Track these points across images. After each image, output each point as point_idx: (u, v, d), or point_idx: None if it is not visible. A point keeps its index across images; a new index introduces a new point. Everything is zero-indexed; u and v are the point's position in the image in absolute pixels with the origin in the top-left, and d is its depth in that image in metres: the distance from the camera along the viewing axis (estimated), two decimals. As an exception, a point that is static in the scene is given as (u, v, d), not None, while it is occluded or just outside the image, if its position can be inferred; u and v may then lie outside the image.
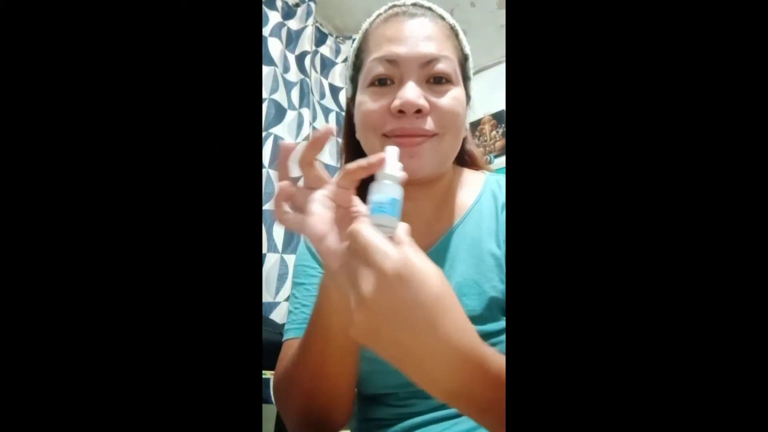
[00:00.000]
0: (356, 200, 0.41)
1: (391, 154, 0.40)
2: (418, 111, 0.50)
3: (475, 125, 2.00)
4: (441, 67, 0.52)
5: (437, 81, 0.52)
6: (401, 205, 0.38)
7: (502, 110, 1.95)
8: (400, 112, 0.50)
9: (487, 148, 1.97)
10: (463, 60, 0.58)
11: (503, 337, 0.50)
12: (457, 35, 0.57)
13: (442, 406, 0.51)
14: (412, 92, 0.50)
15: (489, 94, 1.89)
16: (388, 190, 0.39)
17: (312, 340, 0.47)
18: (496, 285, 0.52)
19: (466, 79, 0.57)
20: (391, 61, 0.52)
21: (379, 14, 0.58)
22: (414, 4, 0.57)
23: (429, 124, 0.51)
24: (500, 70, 2.00)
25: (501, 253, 0.54)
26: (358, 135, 0.57)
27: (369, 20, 0.59)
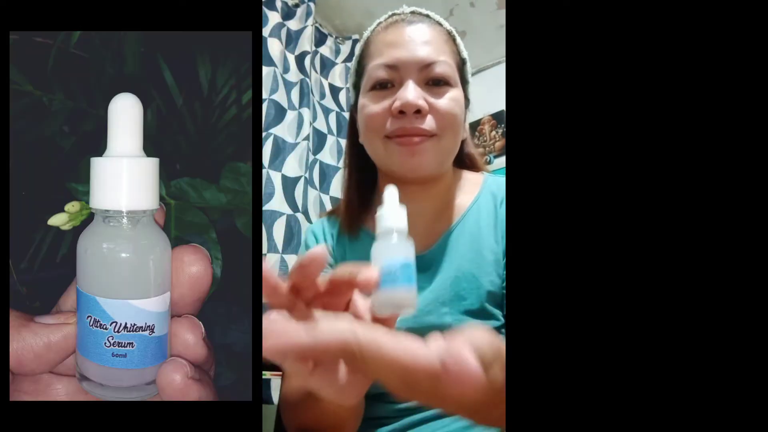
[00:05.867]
0: (355, 298, 0.30)
1: (391, 197, 0.31)
2: (418, 111, 0.51)
3: (475, 125, 2.00)
4: (439, 70, 0.54)
5: (436, 83, 0.54)
6: (415, 268, 0.29)
7: (502, 110, 1.95)
8: (401, 112, 0.52)
9: (487, 148, 1.97)
10: (461, 64, 0.59)
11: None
12: (454, 40, 0.59)
13: None
14: (411, 93, 0.51)
15: (489, 94, 1.89)
16: (396, 250, 0.29)
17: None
18: (493, 279, 0.53)
19: (464, 82, 0.59)
20: (392, 65, 0.54)
21: (380, 22, 0.60)
22: (412, 12, 0.59)
23: (428, 124, 0.52)
24: (500, 70, 2.00)
25: (498, 248, 0.55)
26: (362, 138, 0.58)
27: (370, 28, 0.61)
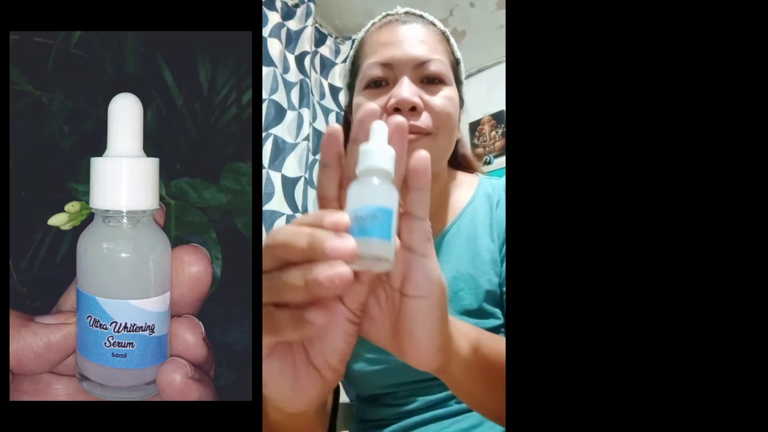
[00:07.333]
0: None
1: (380, 131, 0.27)
2: (413, 108, 0.51)
3: (475, 125, 2.00)
4: (433, 68, 0.54)
5: (430, 81, 0.54)
6: (396, 216, 0.25)
7: (502, 110, 1.95)
8: (396, 110, 0.51)
9: (487, 148, 1.97)
10: (455, 64, 0.59)
11: (499, 335, 0.51)
12: (448, 40, 0.60)
13: (441, 404, 0.51)
14: (406, 90, 0.51)
15: (489, 94, 1.89)
16: (374, 194, 0.25)
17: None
18: (491, 279, 0.53)
19: (458, 82, 0.59)
20: (386, 64, 0.54)
21: (374, 23, 0.61)
22: (406, 13, 0.60)
23: (423, 121, 0.52)
24: (500, 70, 2.00)
25: (495, 247, 0.55)
26: None
27: (364, 29, 0.62)
